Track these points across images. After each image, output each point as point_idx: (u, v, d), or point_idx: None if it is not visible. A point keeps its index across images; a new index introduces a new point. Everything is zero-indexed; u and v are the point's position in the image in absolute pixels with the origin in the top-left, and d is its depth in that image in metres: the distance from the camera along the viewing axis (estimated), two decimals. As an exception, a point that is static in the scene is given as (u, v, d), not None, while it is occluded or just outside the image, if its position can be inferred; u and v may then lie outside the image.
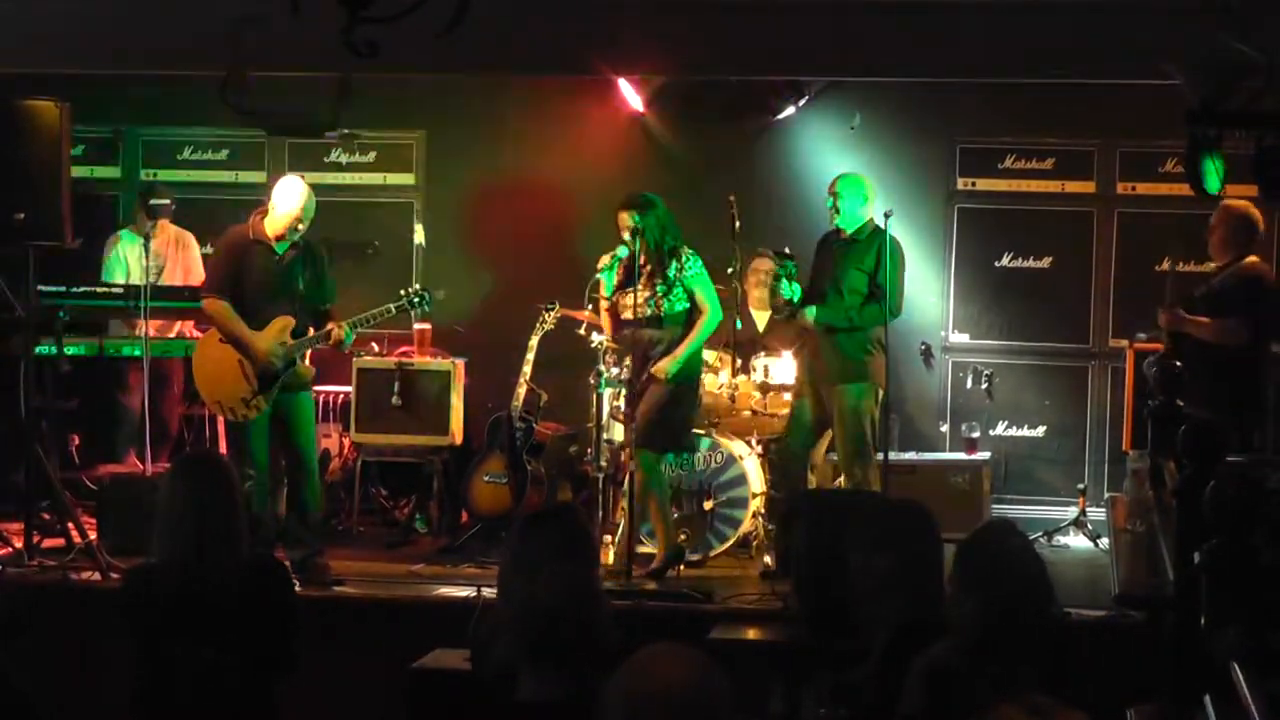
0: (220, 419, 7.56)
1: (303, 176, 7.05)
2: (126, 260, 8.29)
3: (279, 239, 6.70)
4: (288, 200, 6.69)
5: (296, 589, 4.47)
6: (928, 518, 3.89)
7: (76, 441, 8.12)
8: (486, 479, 7.78)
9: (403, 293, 7.08)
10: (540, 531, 3.80)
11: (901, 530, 3.85)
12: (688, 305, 6.93)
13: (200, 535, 4.07)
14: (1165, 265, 7.10)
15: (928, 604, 3.65)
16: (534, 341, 7.76)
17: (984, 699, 2.92)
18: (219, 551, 4.08)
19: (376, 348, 8.21)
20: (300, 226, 6.69)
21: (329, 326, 6.75)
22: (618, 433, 7.58)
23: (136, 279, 7.93)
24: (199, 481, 4.17)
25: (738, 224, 7.40)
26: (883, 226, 6.96)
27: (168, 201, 8.30)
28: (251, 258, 6.71)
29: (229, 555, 4.10)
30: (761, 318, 8.12)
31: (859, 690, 3.73)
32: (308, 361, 6.85)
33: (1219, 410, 5.87)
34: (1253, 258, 6.65)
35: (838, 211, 7.06)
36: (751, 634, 5.94)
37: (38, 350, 7.15)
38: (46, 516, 7.06)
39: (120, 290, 7.81)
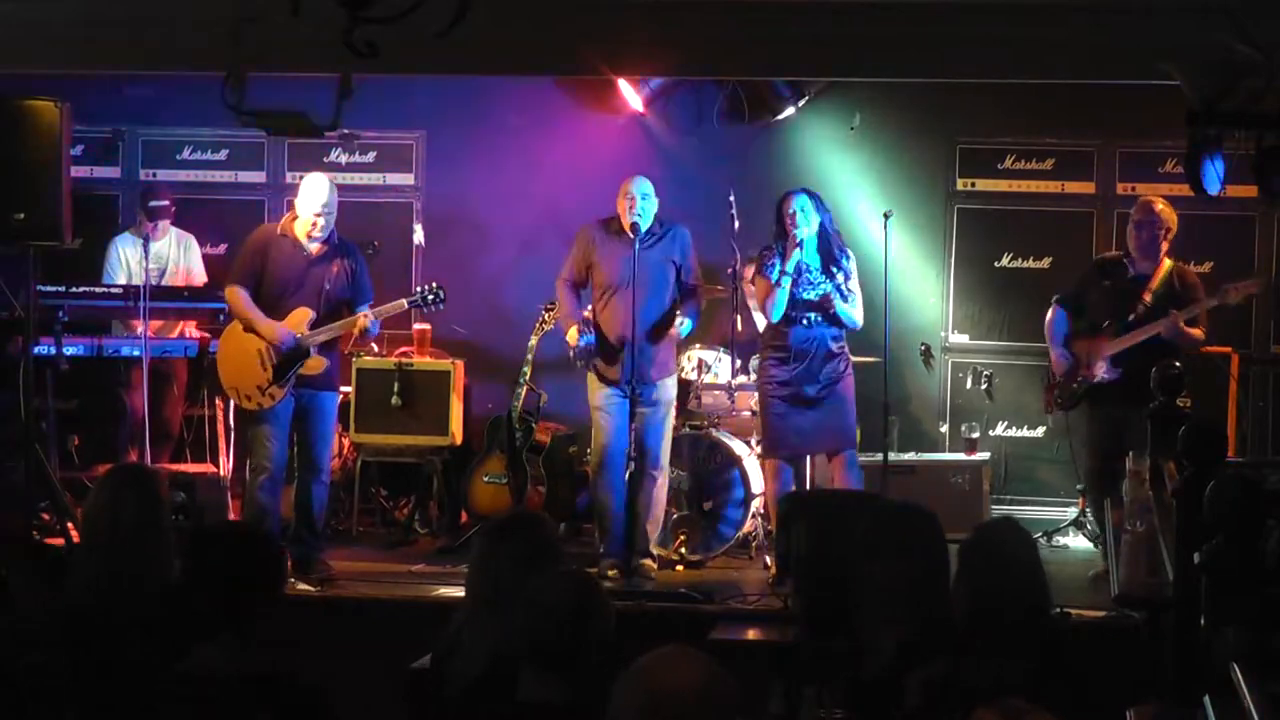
0: (221, 421, 7.58)
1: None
2: (127, 263, 8.28)
3: (309, 237, 6.75)
4: (305, 197, 6.76)
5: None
6: (933, 523, 3.84)
7: (77, 441, 8.11)
8: (486, 479, 7.78)
9: (418, 289, 7.10)
10: (505, 544, 3.76)
11: (907, 537, 3.82)
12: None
13: (113, 555, 3.76)
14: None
15: (933, 610, 3.63)
16: (534, 342, 7.76)
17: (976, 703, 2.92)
18: (135, 570, 3.75)
19: (376, 348, 8.21)
20: (320, 222, 6.71)
21: (350, 316, 6.75)
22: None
23: (137, 281, 7.93)
24: (118, 496, 3.85)
25: (737, 224, 7.42)
26: None
27: (166, 203, 8.30)
28: (276, 251, 6.77)
29: (147, 575, 3.77)
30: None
31: (865, 694, 3.72)
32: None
33: None
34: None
35: None
36: (751, 634, 5.94)
37: (37, 350, 7.16)
38: (46, 517, 7.07)
39: (120, 290, 7.82)
